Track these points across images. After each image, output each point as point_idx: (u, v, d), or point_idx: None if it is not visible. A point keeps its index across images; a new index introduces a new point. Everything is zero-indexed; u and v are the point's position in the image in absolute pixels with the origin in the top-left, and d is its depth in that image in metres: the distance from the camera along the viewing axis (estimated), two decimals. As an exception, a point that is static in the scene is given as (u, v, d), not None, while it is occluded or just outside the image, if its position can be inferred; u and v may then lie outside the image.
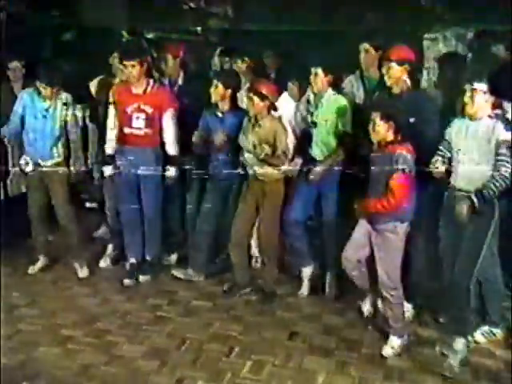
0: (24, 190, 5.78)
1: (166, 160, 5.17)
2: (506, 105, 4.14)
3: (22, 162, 5.22)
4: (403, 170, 3.96)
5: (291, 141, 4.90)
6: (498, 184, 3.83)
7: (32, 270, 5.47)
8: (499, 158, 3.87)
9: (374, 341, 4.38)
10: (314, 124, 4.82)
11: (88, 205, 6.51)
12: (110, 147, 5.21)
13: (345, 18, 6.76)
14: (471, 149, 3.97)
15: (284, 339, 4.46)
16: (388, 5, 6.62)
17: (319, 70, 4.74)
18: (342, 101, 4.78)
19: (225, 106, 4.99)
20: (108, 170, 5.23)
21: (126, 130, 5.10)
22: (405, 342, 4.25)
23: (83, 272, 5.41)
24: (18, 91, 6.59)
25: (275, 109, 4.80)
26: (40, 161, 5.20)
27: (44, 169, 5.19)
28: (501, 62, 5.64)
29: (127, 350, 4.29)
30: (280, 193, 4.87)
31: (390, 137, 4.04)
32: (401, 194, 4.00)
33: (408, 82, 4.45)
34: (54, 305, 4.94)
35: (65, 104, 5.15)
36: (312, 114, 4.84)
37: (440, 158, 4.13)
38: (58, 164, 5.22)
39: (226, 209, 5.16)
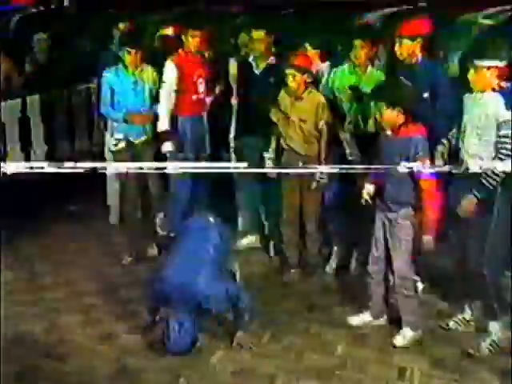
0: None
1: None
2: None
3: (114, 141, 5.16)
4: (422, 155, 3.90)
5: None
6: (497, 172, 3.64)
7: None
8: (499, 140, 3.71)
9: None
10: (360, 98, 4.76)
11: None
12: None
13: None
14: (475, 124, 3.81)
15: (303, 311, 4.50)
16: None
17: (362, 42, 4.68)
18: (381, 75, 4.78)
19: None
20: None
21: (194, 97, 5.21)
22: (418, 336, 4.16)
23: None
24: (43, 62, 6.73)
25: (313, 81, 4.82)
26: (131, 138, 5.14)
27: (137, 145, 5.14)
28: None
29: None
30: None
31: (401, 120, 3.97)
32: (434, 192, 3.94)
33: (420, 55, 4.45)
34: (76, 273, 5.02)
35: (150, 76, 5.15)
36: (353, 88, 4.78)
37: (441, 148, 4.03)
38: (148, 141, 5.17)
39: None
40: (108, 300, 4.60)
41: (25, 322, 4.29)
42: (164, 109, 5.11)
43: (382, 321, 4.32)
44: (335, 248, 5.08)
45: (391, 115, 3.94)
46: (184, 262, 4.00)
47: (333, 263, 5.09)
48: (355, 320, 4.34)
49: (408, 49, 4.45)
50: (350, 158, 4.74)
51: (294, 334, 4.19)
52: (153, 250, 5.34)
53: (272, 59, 5.13)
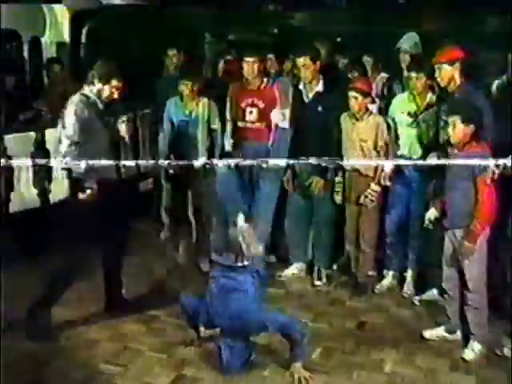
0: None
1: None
2: None
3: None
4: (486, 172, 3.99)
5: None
6: None
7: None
8: None
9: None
10: (417, 124, 4.93)
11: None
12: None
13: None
14: None
15: (353, 328, 4.65)
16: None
17: (416, 74, 4.86)
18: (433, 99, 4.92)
19: None
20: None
21: (240, 124, 5.37)
22: (485, 350, 4.25)
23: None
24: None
25: (373, 101, 5.14)
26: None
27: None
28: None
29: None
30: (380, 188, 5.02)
31: (467, 138, 4.10)
32: (490, 204, 4.06)
33: (459, 80, 4.54)
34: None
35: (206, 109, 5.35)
36: (410, 114, 4.95)
37: None
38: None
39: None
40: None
41: (92, 330, 4.54)
42: (227, 133, 5.41)
43: (456, 336, 4.42)
44: (410, 271, 5.19)
45: (463, 131, 4.07)
46: (229, 293, 4.05)
47: (384, 283, 5.25)
48: (429, 334, 4.47)
49: (448, 74, 4.52)
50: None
51: (344, 351, 4.33)
52: (205, 266, 5.43)
53: (320, 87, 5.20)
